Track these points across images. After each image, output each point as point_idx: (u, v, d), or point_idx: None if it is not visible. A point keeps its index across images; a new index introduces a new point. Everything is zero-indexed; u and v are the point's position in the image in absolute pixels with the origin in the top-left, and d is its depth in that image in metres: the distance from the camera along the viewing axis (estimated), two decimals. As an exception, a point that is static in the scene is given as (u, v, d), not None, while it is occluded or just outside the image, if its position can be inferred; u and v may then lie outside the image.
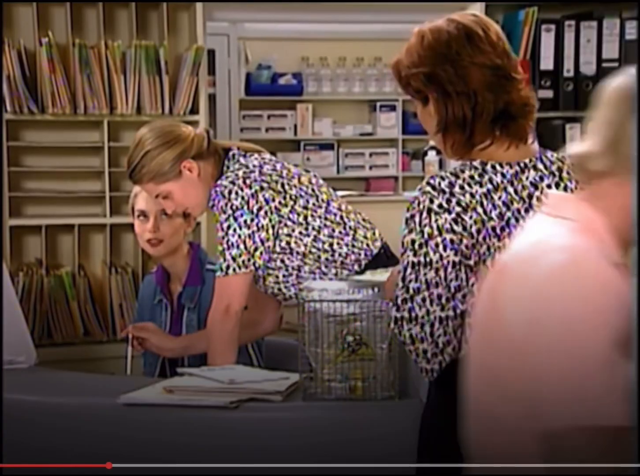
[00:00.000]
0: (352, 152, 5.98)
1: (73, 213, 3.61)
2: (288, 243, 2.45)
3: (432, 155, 4.17)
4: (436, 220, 1.67)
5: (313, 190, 2.50)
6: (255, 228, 2.37)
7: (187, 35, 3.70)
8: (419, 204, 1.69)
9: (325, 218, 2.49)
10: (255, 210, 2.36)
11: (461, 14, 1.80)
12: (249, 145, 2.60)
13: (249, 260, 2.35)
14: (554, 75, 3.72)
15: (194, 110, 3.61)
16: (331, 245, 2.49)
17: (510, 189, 1.72)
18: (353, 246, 2.51)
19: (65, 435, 1.98)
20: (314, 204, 2.48)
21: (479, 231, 1.67)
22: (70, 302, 3.51)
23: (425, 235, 1.67)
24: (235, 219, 2.36)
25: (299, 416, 1.99)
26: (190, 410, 1.96)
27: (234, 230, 2.36)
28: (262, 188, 2.37)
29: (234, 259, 2.36)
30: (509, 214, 1.71)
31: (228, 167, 2.46)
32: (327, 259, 2.48)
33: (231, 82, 5.55)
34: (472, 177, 1.71)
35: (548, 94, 3.73)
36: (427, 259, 1.66)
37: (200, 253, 2.86)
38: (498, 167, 1.73)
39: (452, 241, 1.66)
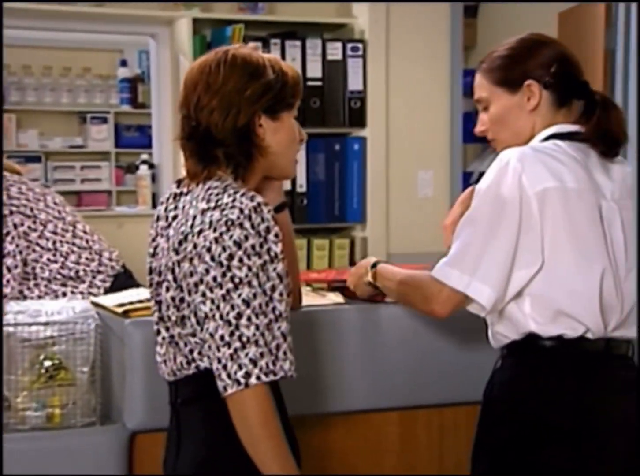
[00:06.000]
0: (62, 165, 5.75)
1: None
2: (33, 268, 2.37)
3: (143, 169, 4.08)
4: None
5: (59, 211, 2.45)
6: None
7: None
8: None
9: (73, 244, 2.45)
10: (2, 236, 2.26)
11: None
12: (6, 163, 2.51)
13: None
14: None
15: None
16: (77, 271, 2.45)
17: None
18: (99, 272, 2.49)
19: None
20: (62, 228, 2.43)
21: None
22: None
23: None
24: None
25: (-11, 451, 1.84)
26: None
27: None
28: (11, 213, 2.29)
29: None
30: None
31: None
32: (73, 285, 2.44)
33: None
34: None
35: (256, 109, 3.79)
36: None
37: None
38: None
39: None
